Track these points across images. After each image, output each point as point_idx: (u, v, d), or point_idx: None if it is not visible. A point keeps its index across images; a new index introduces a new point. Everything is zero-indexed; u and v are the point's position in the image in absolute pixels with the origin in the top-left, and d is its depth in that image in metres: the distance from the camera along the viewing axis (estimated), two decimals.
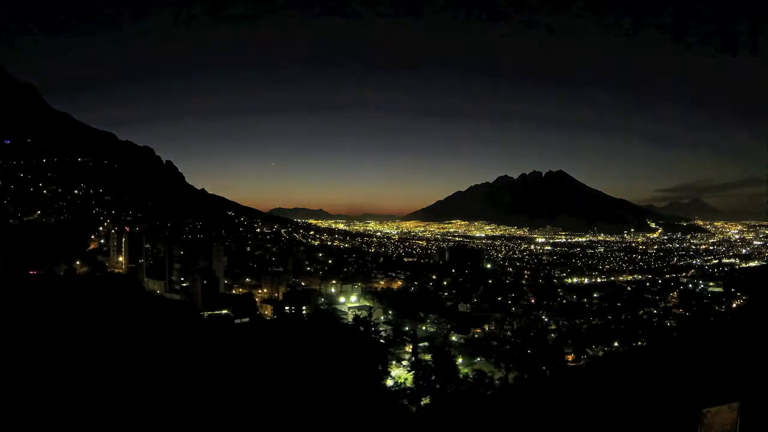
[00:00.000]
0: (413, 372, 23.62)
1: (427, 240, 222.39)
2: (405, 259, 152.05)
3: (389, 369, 25.29)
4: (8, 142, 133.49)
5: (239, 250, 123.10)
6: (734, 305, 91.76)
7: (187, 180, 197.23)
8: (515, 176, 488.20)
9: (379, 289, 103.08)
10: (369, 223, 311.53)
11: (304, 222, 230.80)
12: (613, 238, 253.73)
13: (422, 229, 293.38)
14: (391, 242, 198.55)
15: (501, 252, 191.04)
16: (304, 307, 74.15)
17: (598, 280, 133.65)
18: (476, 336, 73.20)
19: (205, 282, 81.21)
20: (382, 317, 71.26)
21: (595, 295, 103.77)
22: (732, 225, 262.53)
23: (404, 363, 27.76)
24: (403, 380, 22.27)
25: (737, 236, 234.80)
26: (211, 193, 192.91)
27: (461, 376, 24.13)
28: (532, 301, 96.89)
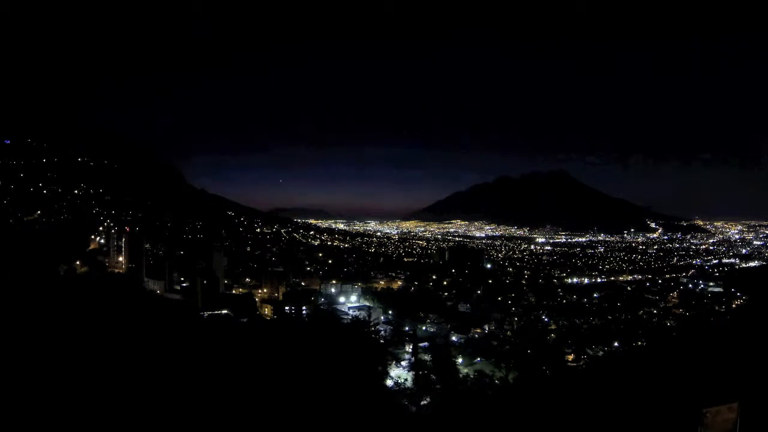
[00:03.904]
0: (413, 372, 23.66)
1: (427, 240, 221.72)
2: (405, 259, 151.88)
3: (389, 369, 25.32)
4: (8, 142, 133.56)
5: (239, 250, 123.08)
6: (734, 305, 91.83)
7: (187, 180, 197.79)
8: (515, 176, 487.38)
9: (379, 289, 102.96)
10: (369, 223, 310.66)
11: (304, 222, 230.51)
12: (613, 238, 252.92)
13: (422, 229, 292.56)
14: (391, 242, 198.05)
15: (501, 252, 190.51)
16: (304, 307, 74.11)
17: (598, 280, 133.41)
18: (476, 336, 73.29)
19: (205, 282, 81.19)
20: (382, 317, 71.35)
21: (595, 295, 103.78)
22: (732, 225, 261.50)
23: (404, 363, 27.80)
24: (403, 380, 22.28)
25: (737, 236, 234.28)
26: (211, 193, 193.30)
27: (461, 376, 24.16)
28: (532, 300, 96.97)
